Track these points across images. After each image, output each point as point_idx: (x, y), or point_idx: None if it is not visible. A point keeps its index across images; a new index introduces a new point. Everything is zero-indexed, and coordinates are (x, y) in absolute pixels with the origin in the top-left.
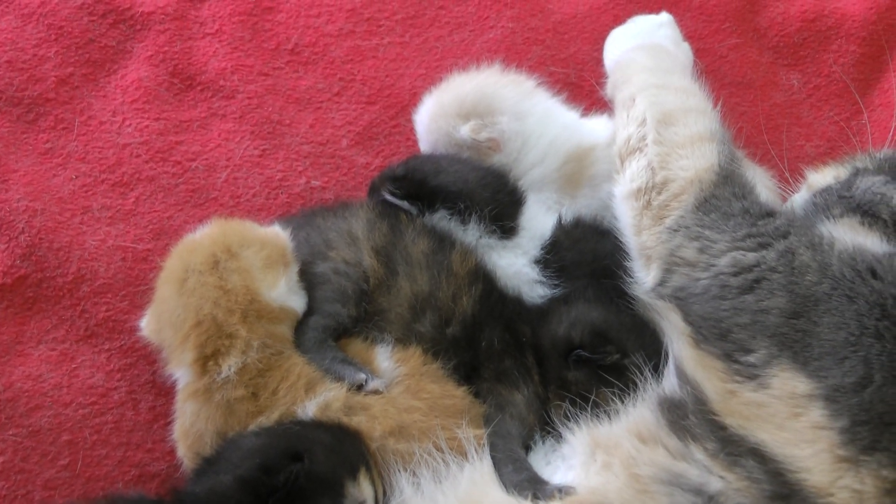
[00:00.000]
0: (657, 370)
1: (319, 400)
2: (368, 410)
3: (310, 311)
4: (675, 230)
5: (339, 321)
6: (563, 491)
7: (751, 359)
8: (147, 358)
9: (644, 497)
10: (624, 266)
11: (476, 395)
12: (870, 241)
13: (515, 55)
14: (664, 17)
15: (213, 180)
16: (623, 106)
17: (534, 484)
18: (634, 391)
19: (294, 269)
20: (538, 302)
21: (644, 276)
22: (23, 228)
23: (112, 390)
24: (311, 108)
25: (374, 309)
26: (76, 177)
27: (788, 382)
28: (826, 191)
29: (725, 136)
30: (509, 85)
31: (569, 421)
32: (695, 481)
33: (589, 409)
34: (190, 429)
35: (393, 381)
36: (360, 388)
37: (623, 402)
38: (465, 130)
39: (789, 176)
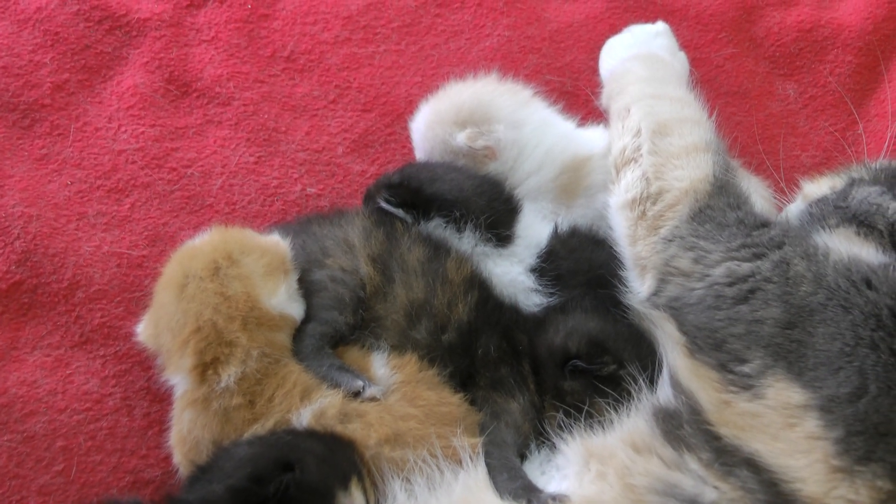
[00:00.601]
0: (652, 380)
1: (315, 407)
2: (364, 418)
3: (307, 318)
4: (670, 240)
5: (336, 328)
6: (557, 500)
7: (745, 369)
8: (142, 364)
9: None
10: (619, 275)
11: (472, 402)
12: (865, 252)
13: (511, 64)
14: (660, 26)
15: (208, 187)
16: (618, 116)
17: (528, 492)
18: (629, 401)
19: (294, 277)
20: (534, 310)
21: (639, 286)
22: (18, 234)
23: (107, 396)
24: (307, 116)
25: (371, 316)
26: (71, 183)
27: (783, 393)
28: (822, 201)
29: (720, 147)
30: (506, 94)
31: (563, 430)
32: (689, 491)
33: (583, 419)
34: (187, 436)
35: (389, 389)
36: (357, 395)
37: (618, 411)
38: (462, 138)
39: (785, 186)
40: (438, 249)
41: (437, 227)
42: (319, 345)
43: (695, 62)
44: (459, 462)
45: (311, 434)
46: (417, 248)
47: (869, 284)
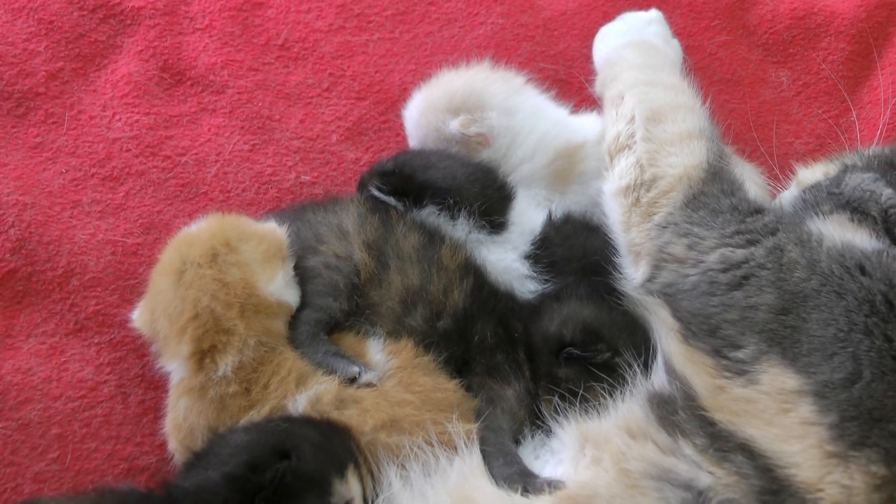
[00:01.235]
0: (647, 366)
1: (311, 393)
2: (360, 404)
3: (302, 305)
4: (664, 227)
5: (331, 315)
6: (552, 485)
7: (740, 355)
8: (137, 351)
9: (633, 492)
10: (613, 262)
11: (467, 388)
12: (859, 238)
13: (505, 51)
14: (653, 14)
15: (202, 175)
16: (612, 103)
17: (524, 477)
18: (624, 387)
19: (290, 264)
20: (529, 297)
21: (633, 273)
22: (12, 222)
23: (102, 384)
24: (301, 104)
25: (366, 303)
26: (66, 171)
27: (777, 378)
28: (815, 187)
29: (714, 133)
30: (499, 81)
31: (558, 416)
32: (684, 476)
33: (578, 405)
34: (182, 423)
35: (385, 374)
36: (352, 381)
37: (613, 397)
38: (455, 125)
39: (778, 172)
40: (433, 236)
41: (430, 214)
42: (314, 331)
43: (688, 49)
44: (455, 448)
45: (307, 421)
46: (412, 235)
47: (863, 270)
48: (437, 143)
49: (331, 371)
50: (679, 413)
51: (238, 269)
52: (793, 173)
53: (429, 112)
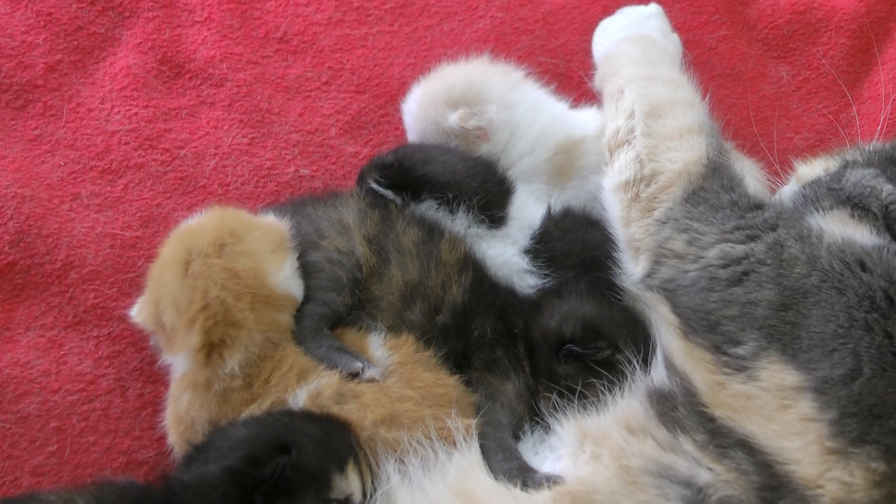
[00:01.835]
0: (646, 362)
1: (311, 388)
2: (360, 398)
3: (304, 299)
4: (664, 222)
5: (334, 309)
6: (551, 480)
7: (739, 351)
8: (135, 345)
9: (633, 488)
10: (613, 257)
11: (467, 383)
12: (859, 234)
13: (504, 45)
14: (653, 8)
15: (201, 168)
16: (611, 98)
17: (523, 472)
18: (623, 383)
19: (294, 256)
20: (529, 292)
21: (633, 268)
22: (11, 215)
23: (100, 377)
24: (300, 97)
25: (366, 297)
26: (65, 164)
27: (777, 374)
28: (815, 183)
29: (714, 129)
30: (498, 74)
31: (558, 412)
32: (684, 473)
33: (577, 401)
34: (184, 416)
35: (387, 370)
36: (355, 376)
37: (612, 393)
38: (454, 118)
39: (779, 168)
40: (432, 231)
41: (429, 208)
42: (318, 326)
43: (688, 44)
44: (454, 443)
45: (307, 416)
46: (412, 230)
47: (863, 266)
48: (436, 137)
49: (334, 366)
50: (679, 409)
51: (247, 258)
52: (793, 169)
53: (428, 105)
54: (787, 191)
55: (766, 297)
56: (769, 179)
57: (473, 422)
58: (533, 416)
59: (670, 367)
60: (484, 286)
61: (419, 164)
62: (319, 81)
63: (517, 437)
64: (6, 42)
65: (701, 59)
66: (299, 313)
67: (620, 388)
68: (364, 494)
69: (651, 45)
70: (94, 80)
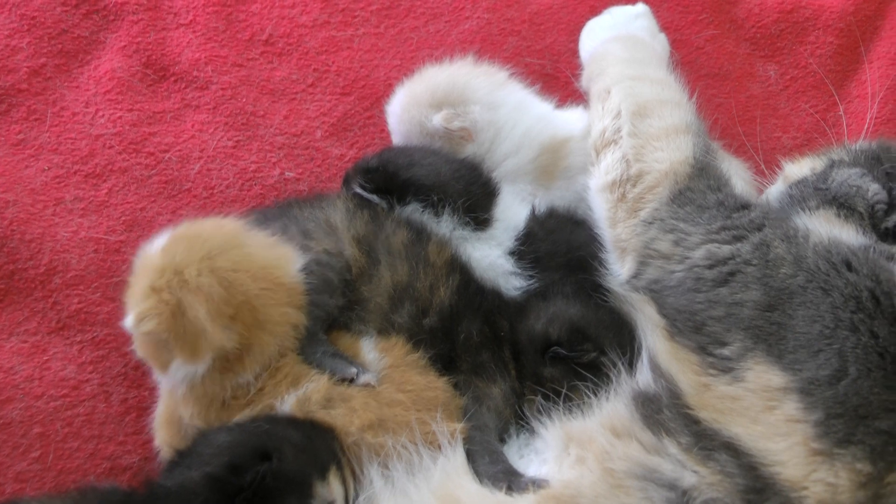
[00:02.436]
0: (632, 365)
1: (300, 393)
2: (349, 402)
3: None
4: (650, 223)
5: (327, 312)
6: (536, 484)
7: (725, 352)
8: (119, 350)
9: (618, 491)
10: (598, 257)
11: (454, 386)
12: (845, 234)
13: (491, 46)
14: (640, 7)
15: (186, 172)
16: (598, 98)
17: (508, 476)
18: (609, 385)
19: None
20: (515, 294)
21: (619, 269)
22: None
23: (84, 382)
24: (286, 100)
25: (355, 298)
26: (48, 168)
27: (763, 376)
28: (802, 182)
29: (701, 128)
30: (482, 75)
31: (543, 415)
32: (668, 476)
33: (563, 403)
34: (176, 421)
35: (380, 374)
36: (350, 381)
37: (597, 396)
38: (438, 119)
39: (765, 168)
40: (420, 233)
41: (413, 211)
42: (313, 330)
43: (675, 43)
44: (439, 447)
45: (290, 422)
46: (401, 231)
47: (849, 266)
48: (421, 139)
49: (329, 372)
50: (664, 412)
51: (265, 250)
52: (780, 168)
53: (411, 107)
54: (774, 190)
55: (752, 298)
56: (756, 179)
57: (459, 426)
58: (518, 420)
59: (656, 369)
60: (471, 289)
61: (404, 167)
62: (305, 84)
63: (503, 441)
64: None
65: (688, 59)
66: None
67: (606, 390)
68: (347, 501)
69: (638, 44)
70: (78, 83)
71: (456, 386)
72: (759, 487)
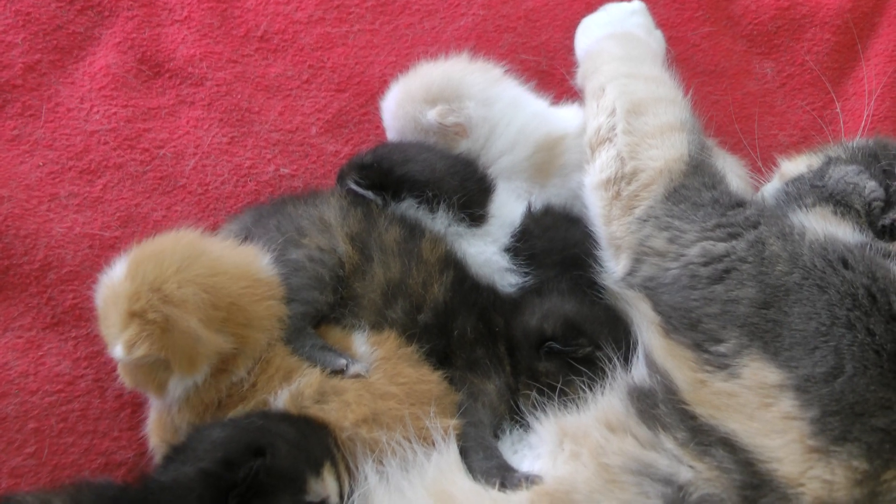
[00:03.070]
0: (627, 360)
1: (293, 387)
2: (342, 396)
3: (287, 299)
4: (645, 220)
5: (316, 308)
6: (529, 480)
7: (721, 349)
8: None
9: (613, 486)
10: (594, 254)
11: (449, 381)
12: (841, 231)
13: (486, 43)
14: (636, 4)
15: (181, 168)
16: (593, 95)
17: (502, 471)
18: (604, 380)
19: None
20: (510, 291)
21: (614, 266)
22: None
23: (79, 378)
24: (281, 96)
25: (349, 294)
26: (43, 164)
27: (759, 372)
28: (798, 180)
29: (696, 126)
30: (476, 71)
31: (537, 410)
32: (664, 471)
33: (557, 398)
34: (170, 427)
35: (371, 366)
36: (340, 373)
37: (592, 391)
38: (432, 115)
39: (762, 165)
40: (414, 229)
41: (409, 207)
42: (301, 325)
43: (671, 41)
44: (432, 443)
45: (284, 418)
46: (394, 228)
47: (845, 264)
48: (415, 135)
49: (318, 365)
50: (659, 407)
51: (232, 252)
52: (776, 166)
53: (406, 103)
54: (770, 188)
55: (747, 295)
56: (752, 176)
57: (453, 422)
58: (513, 415)
59: (651, 364)
60: (465, 285)
61: (398, 163)
62: (300, 80)
63: (497, 437)
64: None
65: (684, 56)
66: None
67: (601, 385)
68: (341, 496)
69: (633, 42)
70: (73, 79)
71: (451, 381)
72: (755, 483)
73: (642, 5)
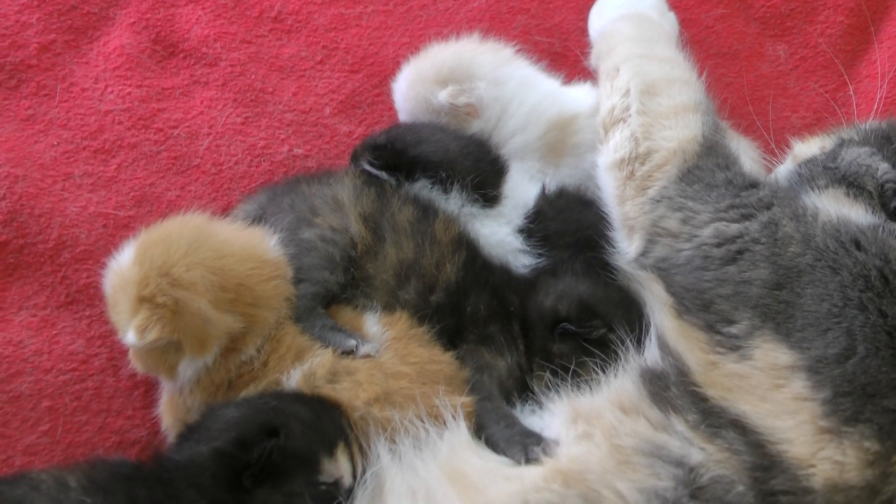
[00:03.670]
0: (639, 342)
1: (305, 367)
2: (354, 376)
3: (298, 279)
4: (658, 201)
5: (327, 288)
6: (548, 447)
7: (733, 330)
8: None
9: (625, 468)
10: (607, 236)
11: (459, 356)
12: (854, 213)
13: (500, 24)
14: None
15: (195, 148)
16: (607, 76)
17: (526, 437)
18: (616, 362)
19: None
20: (524, 272)
21: (627, 247)
22: (4, 195)
23: (92, 357)
24: (294, 77)
25: (361, 275)
26: (58, 143)
27: (770, 354)
28: (811, 161)
29: (710, 107)
30: (487, 52)
31: (550, 391)
32: (676, 453)
33: (570, 381)
34: (183, 408)
35: (382, 346)
36: (350, 354)
37: (605, 372)
38: (443, 96)
39: (775, 147)
40: (427, 210)
41: (422, 188)
42: (311, 305)
43: (684, 22)
44: (444, 422)
45: (298, 398)
46: (407, 209)
47: (858, 245)
48: (427, 116)
49: (328, 345)
50: (671, 389)
51: (240, 234)
52: (789, 148)
53: (417, 83)
54: (783, 170)
55: (760, 276)
56: (765, 158)
57: (466, 400)
58: (521, 396)
59: (663, 346)
60: (477, 264)
61: (412, 144)
62: (314, 61)
63: None
64: None
65: (698, 38)
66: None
67: (613, 367)
68: (354, 476)
69: (647, 23)
70: (87, 59)
71: (461, 356)
72: (766, 465)
73: None
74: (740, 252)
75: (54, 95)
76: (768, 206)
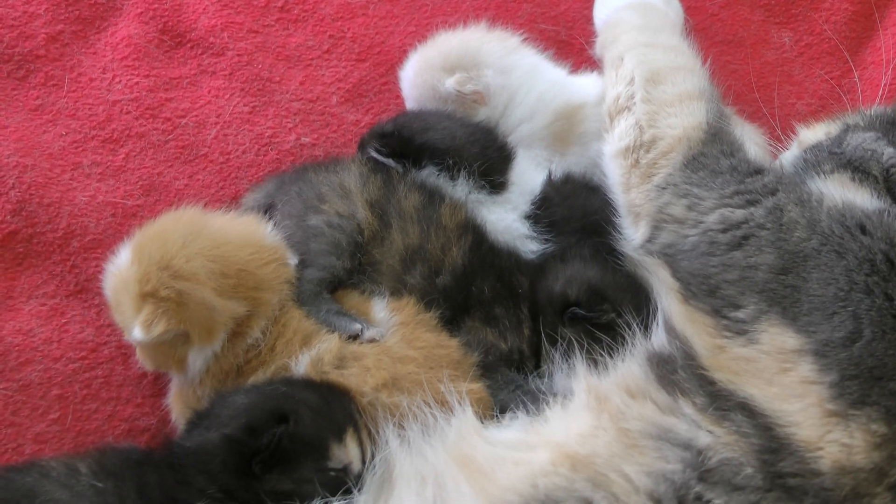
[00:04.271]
0: (647, 326)
1: (313, 353)
2: (361, 361)
3: (304, 264)
4: (664, 188)
5: (333, 273)
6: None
7: (740, 314)
8: None
9: (633, 451)
10: (613, 221)
11: (466, 333)
12: (859, 198)
13: (505, 13)
14: None
15: (202, 137)
16: (612, 65)
17: (537, 402)
18: (624, 346)
19: None
20: (531, 258)
21: (633, 233)
22: (13, 184)
23: (102, 345)
24: (301, 66)
25: (368, 261)
26: (66, 133)
27: (777, 338)
28: (816, 147)
29: (714, 94)
30: (494, 40)
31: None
32: (683, 436)
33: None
34: (192, 397)
35: (389, 331)
36: (356, 338)
37: (613, 357)
38: (451, 83)
39: (780, 133)
40: (433, 196)
41: (429, 175)
42: (317, 290)
43: (689, 10)
44: (450, 407)
45: (307, 384)
46: (413, 195)
47: (863, 230)
48: (434, 103)
49: (334, 330)
50: (679, 372)
51: (236, 222)
52: (794, 134)
53: (424, 71)
54: (789, 155)
55: (765, 261)
56: (771, 145)
57: (474, 386)
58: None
59: (670, 331)
60: (484, 248)
61: (419, 131)
62: (321, 50)
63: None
64: (8, 12)
65: (703, 26)
66: (299, 278)
67: (621, 351)
68: (363, 462)
69: (652, 11)
70: (95, 49)
71: (466, 331)
72: (774, 448)
73: None
74: (746, 237)
75: (62, 85)
76: (773, 192)
